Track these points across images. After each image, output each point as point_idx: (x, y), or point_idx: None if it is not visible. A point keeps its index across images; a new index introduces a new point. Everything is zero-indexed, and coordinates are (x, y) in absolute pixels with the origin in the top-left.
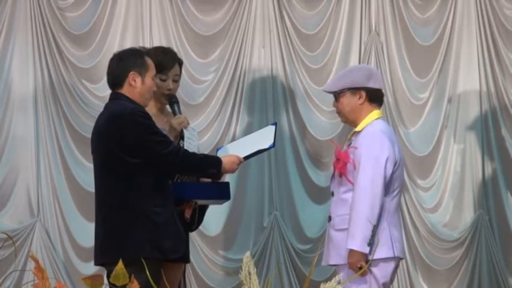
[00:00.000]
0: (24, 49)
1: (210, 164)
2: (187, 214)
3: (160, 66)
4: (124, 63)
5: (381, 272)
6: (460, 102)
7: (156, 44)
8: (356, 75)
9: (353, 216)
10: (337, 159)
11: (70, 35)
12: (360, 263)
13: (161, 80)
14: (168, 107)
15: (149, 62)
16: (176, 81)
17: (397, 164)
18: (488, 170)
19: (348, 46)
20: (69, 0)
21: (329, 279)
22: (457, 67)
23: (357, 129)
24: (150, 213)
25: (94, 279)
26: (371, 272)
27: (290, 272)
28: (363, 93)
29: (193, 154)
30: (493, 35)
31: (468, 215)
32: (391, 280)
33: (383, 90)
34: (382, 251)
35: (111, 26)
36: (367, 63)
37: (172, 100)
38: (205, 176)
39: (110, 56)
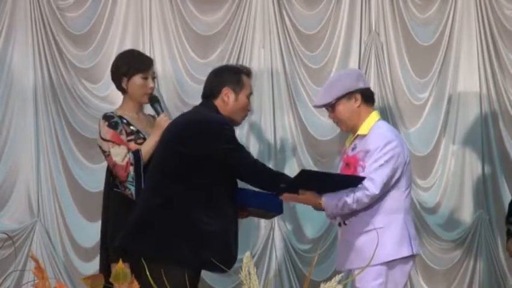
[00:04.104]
0: (24, 49)
1: (283, 180)
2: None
3: (141, 66)
4: (219, 78)
5: (401, 271)
6: (460, 102)
7: (157, 44)
8: (346, 80)
9: (339, 199)
10: (347, 164)
11: (70, 35)
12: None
13: (143, 78)
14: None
15: (245, 80)
16: (155, 78)
17: (407, 162)
18: (488, 170)
19: (348, 46)
20: (69, 0)
21: (329, 279)
22: (457, 67)
23: (361, 132)
24: (197, 221)
25: (94, 279)
26: (388, 273)
27: (290, 272)
28: (358, 96)
29: (269, 169)
30: (493, 35)
31: (468, 215)
32: (407, 279)
33: (372, 89)
34: (402, 250)
35: (111, 26)
36: (367, 63)
37: (153, 100)
38: (274, 190)
39: (110, 56)
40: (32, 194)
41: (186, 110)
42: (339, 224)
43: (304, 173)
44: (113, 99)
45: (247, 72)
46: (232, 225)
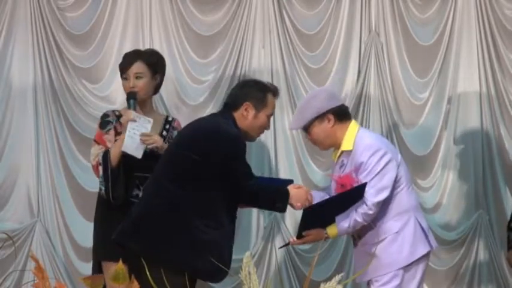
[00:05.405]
0: (24, 49)
1: (279, 199)
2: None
3: (121, 67)
4: (244, 91)
5: (415, 270)
6: (460, 102)
7: (157, 44)
8: (316, 102)
9: (349, 221)
10: (341, 185)
11: (70, 35)
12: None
13: (123, 79)
14: (154, 106)
15: (270, 99)
16: (139, 78)
17: (398, 163)
18: (488, 170)
19: (348, 46)
20: (69, 0)
21: (329, 279)
22: (457, 67)
23: (345, 148)
24: (194, 228)
25: (94, 279)
26: (404, 274)
27: (290, 272)
28: (331, 116)
29: (264, 189)
30: (493, 35)
31: (468, 215)
32: (424, 272)
33: (345, 104)
34: (419, 250)
35: (111, 26)
36: (367, 63)
37: (129, 95)
38: (272, 209)
39: (110, 56)
40: (32, 194)
41: (186, 110)
42: (355, 245)
43: (307, 212)
44: (113, 99)
45: (274, 92)
46: (228, 237)
